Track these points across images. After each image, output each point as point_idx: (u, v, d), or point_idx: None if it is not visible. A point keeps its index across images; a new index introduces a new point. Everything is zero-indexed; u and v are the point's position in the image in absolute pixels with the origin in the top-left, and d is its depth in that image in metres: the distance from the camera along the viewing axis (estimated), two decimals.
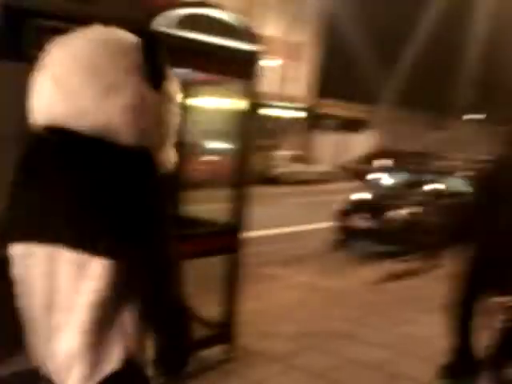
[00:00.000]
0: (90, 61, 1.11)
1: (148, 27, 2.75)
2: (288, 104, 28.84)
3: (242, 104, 3.38)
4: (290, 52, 28.71)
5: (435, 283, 5.18)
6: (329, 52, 30.21)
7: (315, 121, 31.08)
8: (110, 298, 1.10)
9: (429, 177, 9.99)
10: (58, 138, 1.12)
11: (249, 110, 3.38)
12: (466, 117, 38.57)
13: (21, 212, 1.16)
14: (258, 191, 16.47)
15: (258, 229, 9.10)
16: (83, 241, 1.08)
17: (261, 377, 3.50)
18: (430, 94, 33.88)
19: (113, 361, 1.13)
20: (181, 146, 3.85)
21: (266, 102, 26.79)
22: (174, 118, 1.21)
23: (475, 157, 17.10)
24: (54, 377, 1.17)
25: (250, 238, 5.27)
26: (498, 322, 3.25)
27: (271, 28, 29.71)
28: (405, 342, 4.21)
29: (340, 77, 30.30)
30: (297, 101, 30.59)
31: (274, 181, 22.22)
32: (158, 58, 1.18)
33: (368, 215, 8.39)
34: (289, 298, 5.33)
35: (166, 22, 2.82)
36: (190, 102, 3.80)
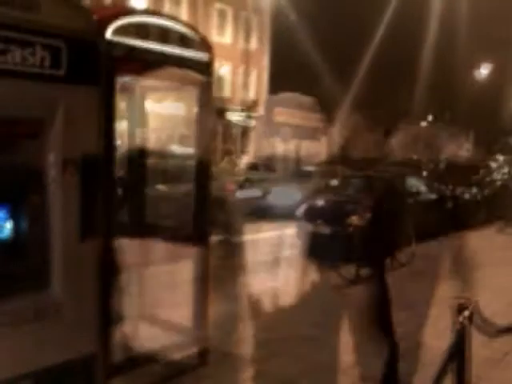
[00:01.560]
0: None
1: (98, 36, 2.74)
2: (242, 111, 29.02)
3: (198, 110, 3.39)
4: (246, 59, 28.87)
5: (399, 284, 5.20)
6: (281, 59, 30.50)
7: (271, 128, 31.29)
8: None
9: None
10: None
11: (204, 116, 3.39)
12: (425, 120, 39.69)
13: None
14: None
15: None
16: None
17: (233, 382, 3.49)
18: (388, 98, 34.49)
19: None
20: (141, 152, 3.83)
21: (224, 107, 26.91)
22: None
23: (435, 157, 17.60)
24: None
25: (220, 242, 5.26)
26: None
27: (224, 35, 29.88)
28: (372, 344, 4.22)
29: (292, 83, 30.59)
30: (252, 107, 30.81)
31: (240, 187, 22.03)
32: None
33: (324, 221, 8.45)
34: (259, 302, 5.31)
35: (115, 31, 2.80)
36: (148, 108, 3.81)
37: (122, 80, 3.22)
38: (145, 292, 3.94)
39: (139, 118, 3.79)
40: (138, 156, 3.80)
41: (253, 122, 31.42)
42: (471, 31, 35.47)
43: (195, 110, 3.41)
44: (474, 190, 12.27)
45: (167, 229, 3.61)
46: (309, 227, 8.72)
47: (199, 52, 3.32)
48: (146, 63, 3.03)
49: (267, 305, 5.22)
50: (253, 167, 24.30)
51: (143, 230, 3.70)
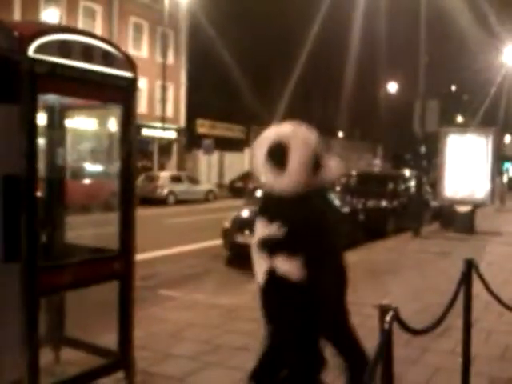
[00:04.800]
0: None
1: (19, 53, 2.69)
2: (164, 125, 28.83)
3: (120, 127, 3.38)
4: (162, 73, 28.73)
5: None
6: (202, 73, 30.68)
7: (193, 141, 31.43)
8: None
9: None
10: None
11: (128, 133, 3.39)
12: (336, 135, 41.47)
13: None
14: (144, 213, 16.43)
15: (149, 251, 9.01)
16: None
17: None
18: (307, 114, 35.61)
19: None
20: (60, 171, 3.74)
21: (141, 123, 26.64)
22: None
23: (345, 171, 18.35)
24: None
25: (141, 261, 5.15)
26: None
27: (141, 49, 29.65)
28: None
29: (215, 98, 30.90)
30: (171, 121, 30.73)
31: (158, 202, 22.08)
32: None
33: (248, 232, 8.51)
34: (186, 317, 5.30)
35: (36, 49, 2.76)
36: (69, 124, 3.74)
37: (45, 98, 3.17)
38: (68, 315, 3.83)
39: (61, 136, 3.71)
40: (59, 175, 3.71)
41: (174, 136, 31.29)
42: (381, 52, 37.61)
43: (118, 127, 3.40)
44: (385, 201, 12.95)
45: (89, 249, 3.54)
46: (238, 238, 8.85)
47: (122, 70, 3.33)
48: (69, 81, 3.00)
49: None
50: (176, 180, 24.35)
51: (64, 250, 3.61)
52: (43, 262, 2.96)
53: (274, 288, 2.73)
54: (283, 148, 2.63)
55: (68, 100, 3.50)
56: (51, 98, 3.41)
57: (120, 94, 3.34)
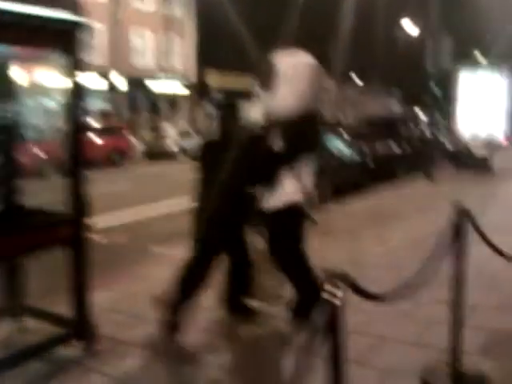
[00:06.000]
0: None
1: None
2: (172, 78, 28.18)
3: (69, 80, 3.03)
4: (169, 26, 27.93)
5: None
6: (209, 25, 29.69)
7: (203, 94, 30.85)
8: None
9: None
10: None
11: (76, 86, 3.05)
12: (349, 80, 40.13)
13: None
14: (152, 169, 16.03)
15: (149, 208, 8.80)
16: None
17: (127, 368, 3.16)
18: (322, 58, 34.25)
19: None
20: (10, 129, 3.46)
21: (148, 76, 26.10)
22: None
23: (360, 117, 17.79)
24: None
25: (138, 220, 4.78)
26: None
27: (144, 2, 28.73)
28: None
29: (224, 49, 29.98)
30: (180, 75, 30.02)
31: (168, 157, 21.88)
32: None
33: None
34: (169, 275, 5.03)
35: None
36: (18, 79, 3.43)
37: None
38: (20, 284, 3.60)
39: (7, 91, 3.40)
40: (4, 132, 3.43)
41: (182, 89, 30.70)
42: None
43: (67, 79, 3.04)
44: (396, 145, 12.49)
45: (38, 212, 3.28)
46: None
47: (66, 12, 2.96)
48: (4, 27, 2.65)
49: None
50: (186, 135, 24.04)
51: (10, 213, 3.37)
52: None
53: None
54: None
55: (10, 50, 3.19)
56: None
57: (63, 39, 2.97)
